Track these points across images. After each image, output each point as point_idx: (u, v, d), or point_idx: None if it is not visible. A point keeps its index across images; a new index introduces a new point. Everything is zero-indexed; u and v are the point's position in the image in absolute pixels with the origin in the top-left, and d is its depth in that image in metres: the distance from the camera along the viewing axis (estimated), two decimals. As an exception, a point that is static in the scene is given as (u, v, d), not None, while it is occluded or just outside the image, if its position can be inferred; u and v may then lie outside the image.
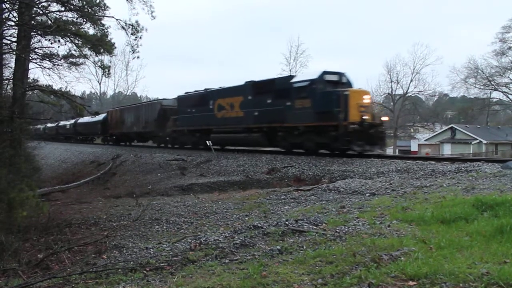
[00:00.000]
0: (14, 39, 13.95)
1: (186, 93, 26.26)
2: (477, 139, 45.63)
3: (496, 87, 46.96)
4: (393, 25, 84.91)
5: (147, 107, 31.14)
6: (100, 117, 38.97)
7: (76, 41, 15.36)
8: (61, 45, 15.38)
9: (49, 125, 51.56)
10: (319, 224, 5.79)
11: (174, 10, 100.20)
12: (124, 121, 34.46)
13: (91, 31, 15.75)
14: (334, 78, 16.77)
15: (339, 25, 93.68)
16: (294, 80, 17.61)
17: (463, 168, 10.66)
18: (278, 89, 18.13)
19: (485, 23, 73.58)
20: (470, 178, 9.13)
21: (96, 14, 15.12)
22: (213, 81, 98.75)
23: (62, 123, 48.48)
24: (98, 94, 72.98)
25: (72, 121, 44.45)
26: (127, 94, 75.67)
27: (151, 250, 5.90)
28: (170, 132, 26.50)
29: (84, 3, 14.64)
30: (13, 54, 14.12)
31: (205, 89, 24.28)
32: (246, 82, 20.25)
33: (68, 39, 15.04)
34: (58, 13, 14.78)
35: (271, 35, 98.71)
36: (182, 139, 25.64)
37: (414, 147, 49.93)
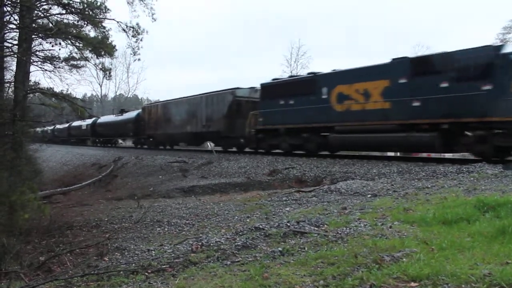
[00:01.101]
0: (15, 42, 13.99)
1: (274, 79, 20.01)
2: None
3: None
4: (394, 26, 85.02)
5: (211, 99, 23.31)
6: (132, 114, 33.66)
7: (77, 44, 15.39)
8: (62, 47, 15.44)
9: (59, 126, 48.18)
10: (321, 225, 5.78)
11: (172, 11, 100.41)
12: (171, 119, 27.09)
13: (92, 34, 15.80)
14: None
15: (338, 25, 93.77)
16: (508, 50, 11.56)
17: (464, 169, 10.65)
18: (464, 66, 12.23)
19: (486, 23, 73.73)
20: (472, 179, 9.12)
21: (97, 17, 15.16)
22: (214, 81, 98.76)
23: (75, 123, 43.72)
24: (99, 96, 73.19)
25: (90, 121, 38.39)
26: (128, 96, 75.87)
27: (153, 252, 5.91)
28: (249, 132, 20.01)
29: (85, 5, 14.68)
30: (14, 57, 14.16)
31: (311, 73, 18.13)
32: (394, 59, 14.43)
33: (69, 41, 15.08)
34: (59, 16, 14.85)
35: (271, 36, 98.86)
36: (275, 140, 18.81)
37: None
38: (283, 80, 19.53)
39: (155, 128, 28.93)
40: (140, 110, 33.89)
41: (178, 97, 28.11)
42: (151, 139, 30.54)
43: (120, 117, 35.92)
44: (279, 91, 18.84)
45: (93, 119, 37.07)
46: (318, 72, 17.75)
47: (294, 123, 17.83)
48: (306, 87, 17.54)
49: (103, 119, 37.99)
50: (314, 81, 17.28)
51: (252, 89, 21.83)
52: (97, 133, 40.46)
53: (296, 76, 18.86)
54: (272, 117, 18.78)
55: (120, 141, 40.51)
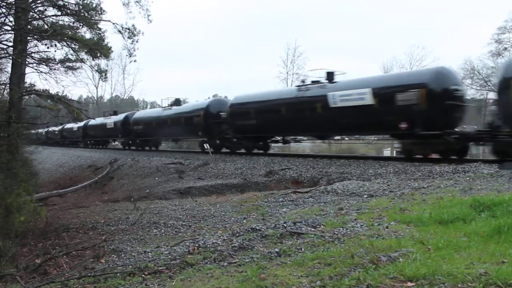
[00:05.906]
0: (11, 44, 13.91)
1: None
2: (474, 140, 45.42)
3: (492, 88, 47.04)
4: (390, 27, 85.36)
5: None
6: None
7: (73, 45, 15.33)
8: (57, 49, 15.35)
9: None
10: (317, 226, 5.79)
11: (170, 12, 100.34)
12: None
13: (88, 35, 15.73)
14: None
15: (335, 26, 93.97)
16: None
17: (460, 169, 10.69)
18: None
19: (481, 24, 74.19)
20: (468, 178, 9.16)
21: (93, 18, 15.09)
22: (213, 84, 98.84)
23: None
24: (95, 98, 72.91)
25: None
26: (124, 98, 75.64)
27: (150, 254, 5.88)
28: None
29: (81, 7, 14.62)
30: (9, 58, 14.11)
31: None
32: None
33: (64, 43, 15.01)
34: (54, 17, 14.77)
35: (268, 37, 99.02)
36: None
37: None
38: None
39: None
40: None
41: None
42: None
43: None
44: None
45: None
46: None
47: None
48: None
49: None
50: None
51: None
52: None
53: None
54: None
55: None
